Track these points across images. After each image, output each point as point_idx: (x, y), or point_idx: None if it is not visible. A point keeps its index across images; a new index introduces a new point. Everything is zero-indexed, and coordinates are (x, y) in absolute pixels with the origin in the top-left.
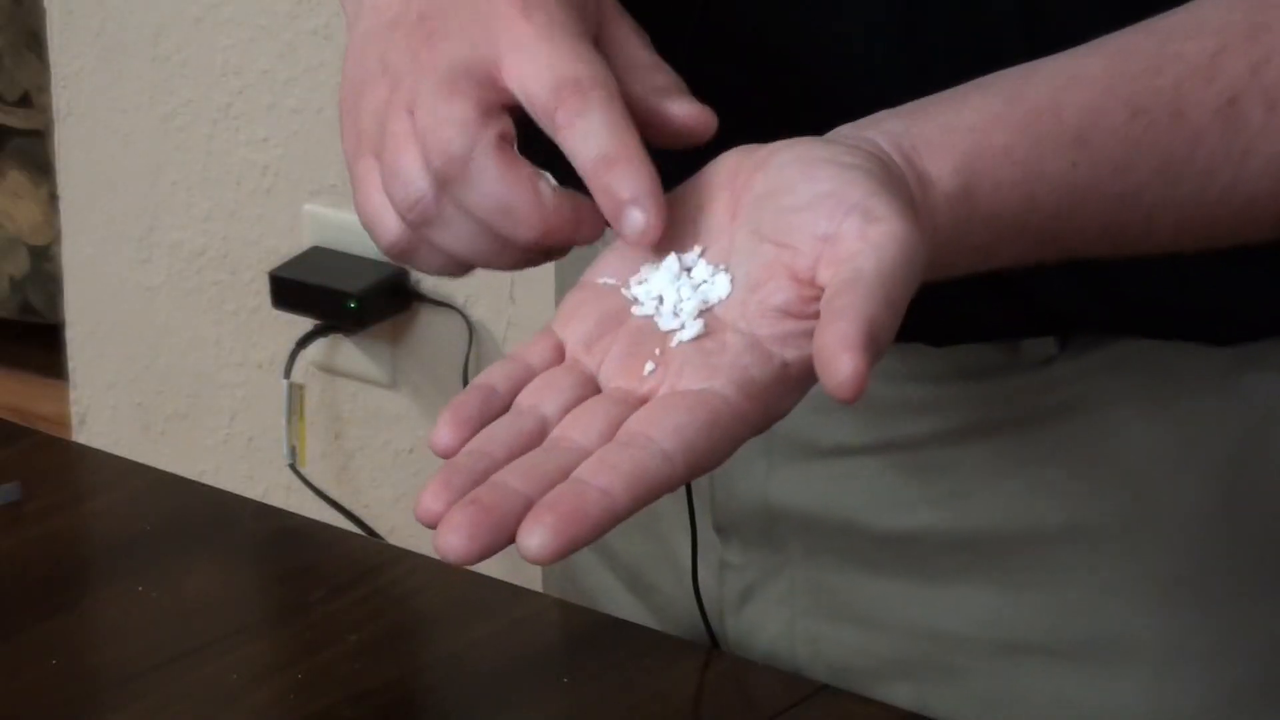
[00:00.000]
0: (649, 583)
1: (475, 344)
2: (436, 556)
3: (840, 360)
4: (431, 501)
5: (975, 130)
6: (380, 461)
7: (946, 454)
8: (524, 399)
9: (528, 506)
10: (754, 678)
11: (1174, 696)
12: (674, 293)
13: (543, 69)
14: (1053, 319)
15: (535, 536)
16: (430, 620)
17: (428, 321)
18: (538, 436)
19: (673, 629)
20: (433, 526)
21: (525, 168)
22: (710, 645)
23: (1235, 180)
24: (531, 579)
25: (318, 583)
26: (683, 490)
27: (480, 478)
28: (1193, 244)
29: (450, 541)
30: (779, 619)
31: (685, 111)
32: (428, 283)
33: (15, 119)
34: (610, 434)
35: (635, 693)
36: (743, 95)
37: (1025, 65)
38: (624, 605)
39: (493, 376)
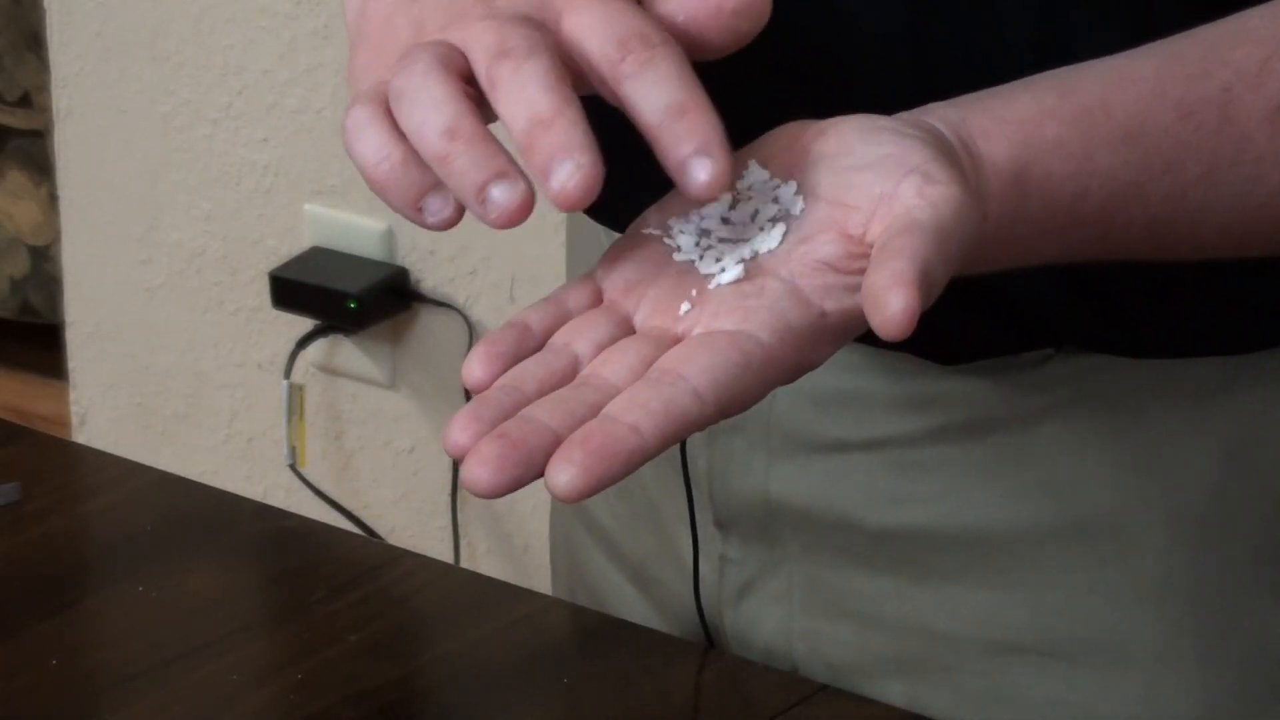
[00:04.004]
0: (652, 577)
1: (475, 344)
2: (436, 556)
3: (892, 295)
4: (459, 434)
5: (1028, 122)
6: (380, 461)
7: (942, 451)
8: (558, 338)
9: (556, 442)
10: (754, 678)
11: (1166, 698)
12: (722, 230)
13: (607, 23)
14: (1051, 338)
15: (564, 473)
16: (430, 620)
17: (428, 321)
18: (570, 374)
19: (676, 623)
20: (459, 457)
21: (461, 102)
22: (707, 643)
23: None
24: (533, 578)
25: (318, 583)
26: (684, 485)
27: (509, 412)
28: (1235, 249)
29: (478, 474)
30: (777, 614)
31: None
32: (428, 283)
33: (15, 119)
34: (641, 372)
35: (635, 693)
36: (753, 103)
37: (1074, 66)
38: (629, 599)
39: (529, 316)
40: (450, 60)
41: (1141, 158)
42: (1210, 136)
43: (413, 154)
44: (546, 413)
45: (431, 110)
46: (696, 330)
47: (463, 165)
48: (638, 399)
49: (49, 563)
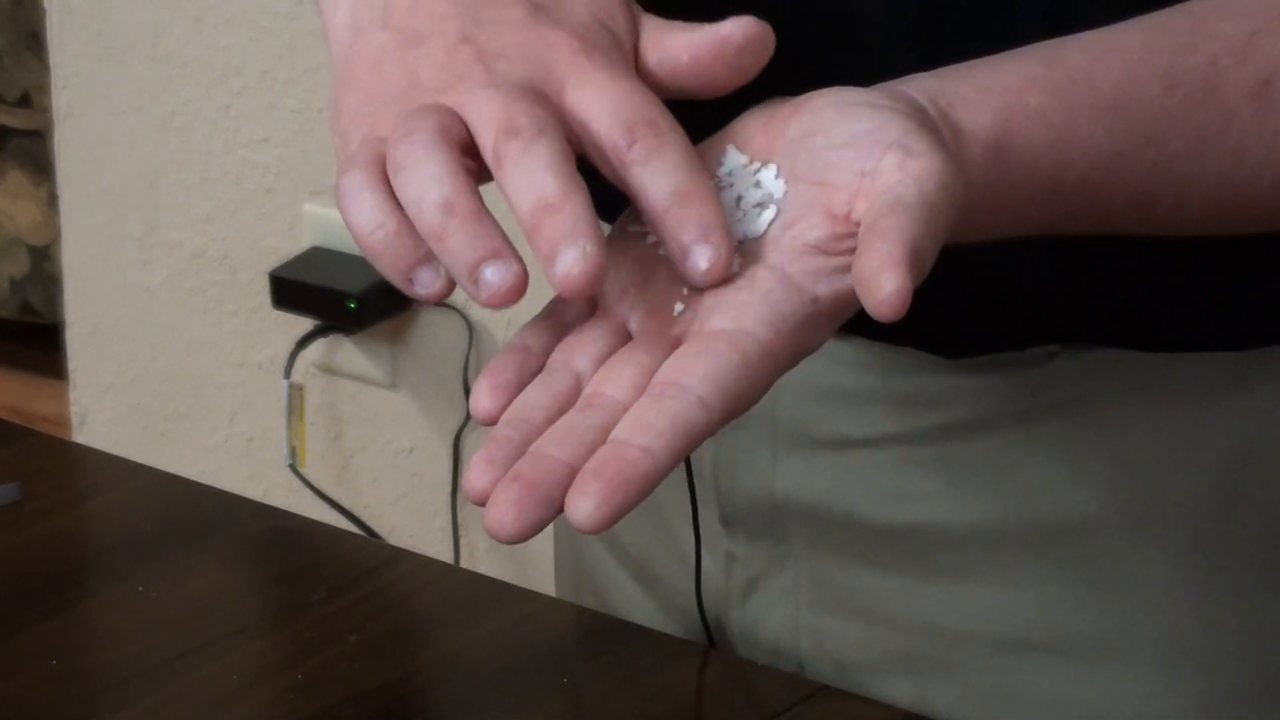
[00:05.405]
0: (656, 574)
1: (475, 344)
2: (436, 556)
3: (883, 278)
4: (477, 479)
5: (1010, 91)
6: (380, 462)
7: (949, 448)
8: (557, 356)
9: (571, 474)
10: (755, 677)
11: (1174, 694)
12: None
13: (615, 105)
14: (1058, 332)
15: (583, 506)
16: (430, 620)
17: (428, 322)
18: (573, 394)
19: (680, 620)
20: (481, 504)
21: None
22: (708, 642)
23: (1265, 161)
24: (533, 578)
25: (318, 583)
26: (688, 483)
27: (521, 447)
28: (1219, 225)
29: (501, 520)
30: (783, 611)
31: (738, 25)
32: None
33: (15, 119)
34: (643, 384)
35: (636, 692)
36: (761, 95)
37: (1062, 37)
38: (632, 597)
39: (526, 336)
40: (450, 131)
41: (1125, 128)
42: (1195, 109)
43: (407, 225)
44: (557, 445)
45: (430, 184)
46: (692, 330)
47: (457, 243)
48: (645, 418)
49: (49, 563)
